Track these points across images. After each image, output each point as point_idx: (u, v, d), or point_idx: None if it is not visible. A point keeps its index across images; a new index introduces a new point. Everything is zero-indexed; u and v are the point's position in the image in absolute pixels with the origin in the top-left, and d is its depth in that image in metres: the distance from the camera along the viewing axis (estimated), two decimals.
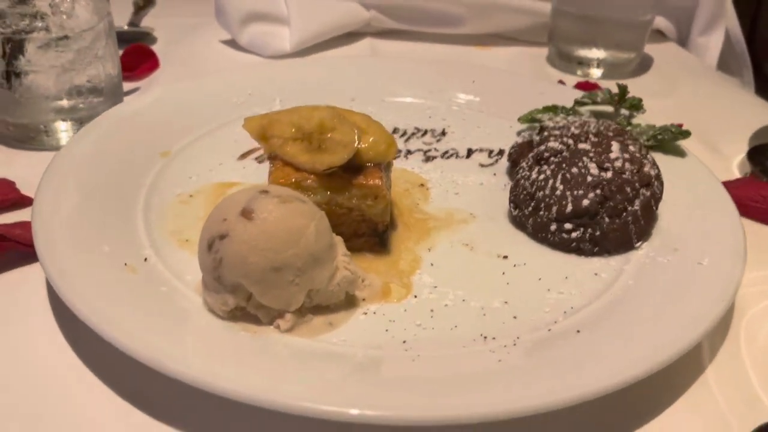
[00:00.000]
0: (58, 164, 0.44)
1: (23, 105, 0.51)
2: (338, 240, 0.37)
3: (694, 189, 0.45)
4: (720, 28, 0.81)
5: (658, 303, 0.36)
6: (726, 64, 0.83)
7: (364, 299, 0.37)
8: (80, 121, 0.53)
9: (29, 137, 0.53)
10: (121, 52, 0.62)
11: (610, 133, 0.45)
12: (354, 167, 0.40)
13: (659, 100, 0.67)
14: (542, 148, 0.45)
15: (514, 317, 0.36)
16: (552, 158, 0.44)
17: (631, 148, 0.44)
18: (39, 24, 0.50)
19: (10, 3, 0.49)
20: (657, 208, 0.43)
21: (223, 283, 0.34)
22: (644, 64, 0.76)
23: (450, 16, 0.78)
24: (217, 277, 0.34)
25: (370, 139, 0.41)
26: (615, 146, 0.43)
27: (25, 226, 0.40)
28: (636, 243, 0.42)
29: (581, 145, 0.44)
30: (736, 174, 0.55)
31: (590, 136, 0.45)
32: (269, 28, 0.73)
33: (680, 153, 0.50)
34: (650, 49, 0.79)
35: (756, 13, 0.69)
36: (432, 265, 0.40)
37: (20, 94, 0.51)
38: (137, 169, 0.46)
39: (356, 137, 0.40)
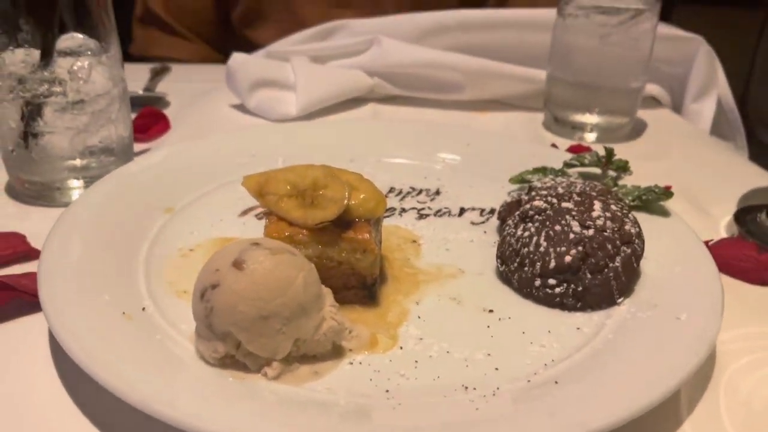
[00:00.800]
0: (66, 219, 0.46)
1: (38, 164, 0.54)
2: (327, 291, 0.39)
3: (675, 247, 0.47)
4: (712, 96, 0.84)
5: (636, 356, 0.37)
6: (720, 129, 0.85)
7: (350, 350, 0.39)
8: (92, 179, 0.56)
9: (42, 194, 0.56)
10: (135, 114, 0.65)
11: (594, 193, 0.47)
12: (345, 222, 0.42)
13: (651, 162, 0.69)
14: (527, 206, 0.47)
15: (496, 368, 0.37)
16: (536, 216, 0.46)
17: (613, 207, 0.45)
18: (57, 89, 0.53)
19: (31, 69, 0.53)
20: (638, 265, 0.44)
21: (214, 330, 0.35)
22: (638, 129, 0.79)
23: (450, 83, 0.82)
24: (209, 325, 0.35)
25: (361, 196, 0.43)
26: (597, 205, 0.45)
27: (32, 276, 0.42)
28: (618, 299, 0.43)
29: (565, 204, 0.45)
30: (723, 234, 0.56)
31: (574, 195, 0.46)
32: (276, 94, 0.76)
33: (664, 213, 0.51)
34: (645, 114, 0.82)
35: (747, 81, 0.72)
36: (419, 317, 0.42)
37: (36, 153, 0.54)
38: (141, 224, 0.49)
39: (347, 194, 0.42)
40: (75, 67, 0.54)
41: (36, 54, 0.53)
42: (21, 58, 0.53)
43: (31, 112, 0.53)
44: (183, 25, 1.07)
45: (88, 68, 0.54)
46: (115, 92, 0.56)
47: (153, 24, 1.06)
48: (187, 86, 0.83)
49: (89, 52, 0.55)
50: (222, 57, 1.10)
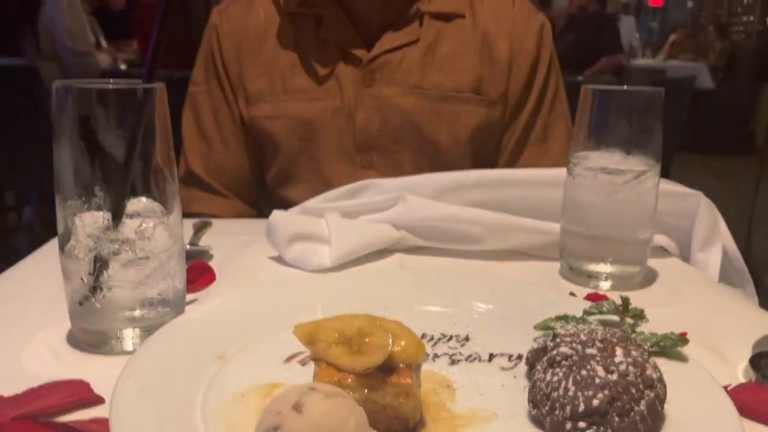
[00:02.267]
0: (132, 367, 0.50)
1: (101, 314, 0.60)
2: None
3: (695, 391, 0.50)
4: (717, 245, 0.90)
5: None
6: (728, 277, 0.90)
7: None
8: (146, 328, 0.61)
9: (101, 342, 0.60)
10: None
11: (615, 340, 0.51)
12: (388, 368, 0.46)
13: (665, 308, 0.73)
14: (554, 352, 0.51)
15: None
16: (563, 362, 0.50)
17: (634, 353, 0.49)
18: (125, 247, 0.60)
19: (103, 230, 0.60)
20: (662, 409, 0.47)
21: None
22: (650, 277, 0.84)
23: (470, 235, 0.88)
24: None
25: (402, 343, 0.47)
26: (619, 351, 0.49)
27: (101, 422, 0.45)
28: None
29: (588, 350, 0.49)
30: (740, 379, 0.59)
31: (596, 342, 0.50)
32: (312, 246, 0.83)
33: (682, 358, 0.55)
34: (655, 263, 0.87)
35: (749, 232, 0.78)
36: None
37: (102, 305, 0.59)
38: (197, 371, 0.53)
39: (390, 341, 0.46)
40: (142, 228, 0.60)
41: (108, 216, 0.60)
42: (95, 220, 0.60)
43: (100, 267, 0.59)
44: (221, 185, 1.16)
45: (153, 229, 0.61)
46: (175, 249, 0.62)
47: (194, 185, 1.15)
48: (228, 240, 0.90)
49: (154, 214, 0.62)
50: (256, 213, 1.19)
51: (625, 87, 0.77)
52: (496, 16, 1.12)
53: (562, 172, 0.84)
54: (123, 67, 3.67)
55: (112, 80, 0.59)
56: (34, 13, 3.06)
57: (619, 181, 0.78)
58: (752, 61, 7.00)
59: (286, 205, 1.01)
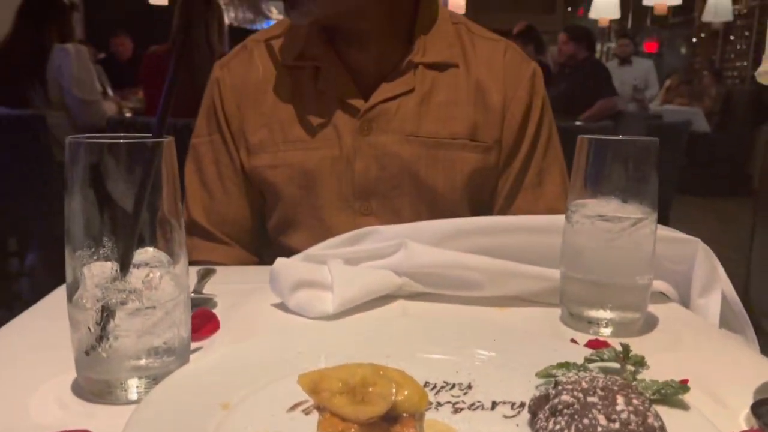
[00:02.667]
0: (137, 417, 0.51)
1: (107, 364, 0.60)
2: None
3: None
4: (717, 291, 0.91)
5: None
6: (728, 323, 0.91)
7: None
8: (151, 377, 0.61)
9: (106, 392, 0.61)
10: None
11: (616, 388, 0.51)
12: (391, 417, 0.46)
13: (665, 355, 0.73)
14: (556, 401, 0.51)
15: None
16: (565, 410, 0.50)
17: (635, 401, 0.50)
18: (132, 297, 0.61)
19: (110, 280, 0.61)
20: None
21: None
22: (650, 323, 0.84)
23: (470, 281, 0.89)
24: None
25: (405, 392, 0.48)
26: (620, 399, 0.49)
27: None
28: None
29: (590, 399, 0.50)
30: (742, 426, 0.59)
31: (598, 390, 0.51)
32: (315, 293, 0.84)
33: (684, 406, 0.55)
34: (655, 309, 0.88)
35: (747, 277, 0.79)
36: None
37: (108, 354, 0.60)
38: (202, 420, 0.53)
39: (394, 390, 0.47)
40: (149, 278, 0.62)
41: (116, 266, 0.61)
42: (103, 270, 0.61)
43: (107, 317, 0.60)
44: (223, 233, 1.17)
45: (160, 278, 0.62)
46: (181, 298, 0.63)
47: (196, 233, 1.17)
48: (232, 287, 0.91)
49: (161, 264, 0.63)
50: (257, 260, 1.20)
51: (620, 137, 0.79)
52: (489, 65, 1.15)
53: (560, 218, 0.85)
54: (128, 114, 3.74)
55: (122, 134, 0.61)
56: (42, 64, 3.13)
57: (617, 228, 0.79)
58: (747, 105, 7.11)
59: (287, 252, 1.02)
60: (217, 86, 1.18)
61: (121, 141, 0.60)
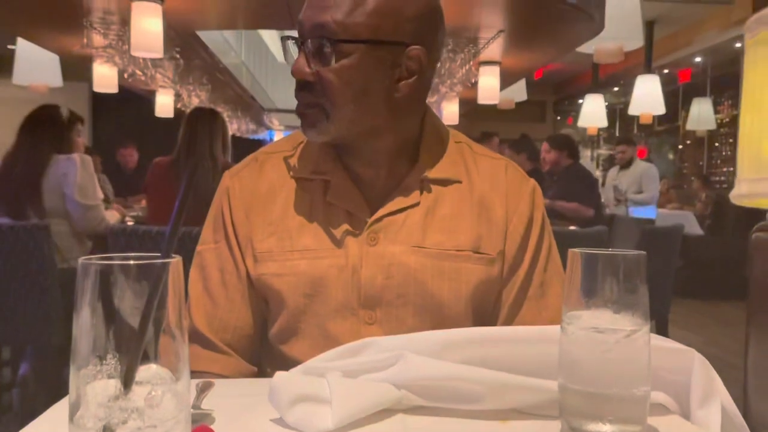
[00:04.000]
0: None
1: None
2: None
3: None
4: (716, 402, 0.90)
5: None
6: None
7: None
8: None
9: None
10: None
11: None
12: None
13: None
14: None
15: None
16: None
17: None
18: (133, 415, 0.61)
19: (113, 398, 0.62)
20: None
21: None
22: None
23: (471, 394, 0.89)
24: None
25: None
26: None
27: None
28: None
29: None
30: None
31: None
32: (314, 408, 0.84)
33: None
34: (656, 421, 0.87)
35: (745, 387, 0.79)
36: None
37: None
38: None
39: None
40: (151, 395, 0.62)
41: (119, 384, 0.62)
42: (106, 388, 0.62)
43: None
44: (223, 342, 1.18)
45: (162, 396, 0.63)
46: (182, 416, 0.64)
47: (196, 342, 1.17)
48: (231, 401, 0.90)
49: (163, 381, 0.64)
50: (257, 371, 1.20)
51: (609, 250, 0.82)
52: (492, 182, 1.21)
53: (558, 329, 0.87)
54: (131, 223, 3.80)
55: (132, 254, 0.64)
56: (40, 175, 3.24)
57: (611, 339, 0.80)
58: (737, 209, 7.25)
59: (287, 361, 1.02)
60: (226, 194, 1.22)
61: (132, 262, 0.62)
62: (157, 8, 3.06)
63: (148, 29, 3.05)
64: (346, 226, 1.16)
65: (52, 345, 2.96)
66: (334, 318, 1.15)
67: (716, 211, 7.16)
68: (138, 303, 0.62)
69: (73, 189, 3.18)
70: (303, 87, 1.12)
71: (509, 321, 1.19)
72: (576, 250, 0.84)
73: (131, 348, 0.62)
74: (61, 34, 3.83)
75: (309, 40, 1.10)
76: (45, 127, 3.26)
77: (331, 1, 1.09)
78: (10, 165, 3.21)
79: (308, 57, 1.10)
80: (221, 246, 1.20)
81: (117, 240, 2.73)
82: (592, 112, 7.82)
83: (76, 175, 3.19)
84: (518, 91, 6.49)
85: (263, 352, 1.24)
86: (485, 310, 1.20)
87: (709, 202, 7.37)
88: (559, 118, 14.40)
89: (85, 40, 3.74)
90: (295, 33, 1.16)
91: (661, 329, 4.09)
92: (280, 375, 0.87)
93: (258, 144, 10.14)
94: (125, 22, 3.33)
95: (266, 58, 8.52)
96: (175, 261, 0.64)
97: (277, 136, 10.06)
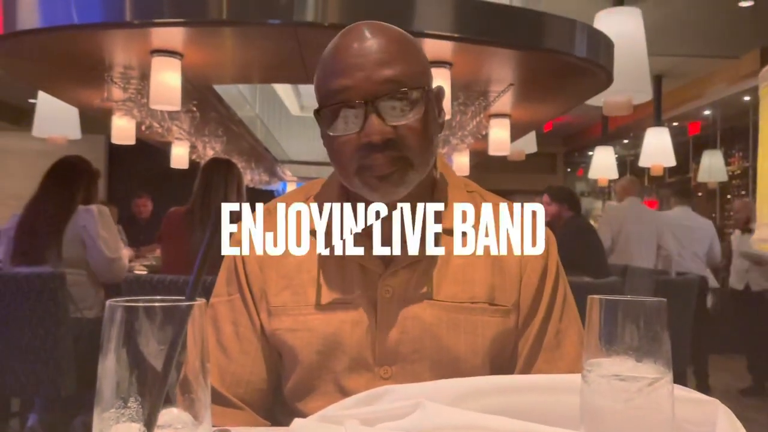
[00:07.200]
0: None
1: None
2: None
3: None
4: None
5: None
6: None
7: None
8: None
9: None
10: None
11: None
12: None
13: None
14: None
15: None
16: None
17: None
18: None
19: None
20: None
21: None
22: None
23: None
24: None
25: None
26: None
27: None
28: None
29: None
30: None
31: None
32: None
33: None
34: None
35: None
36: None
37: None
38: None
39: None
40: None
41: (141, 428, 0.62)
42: (128, 431, 0.62)
43: None
44: (236, 397, 1.16)
45: None
46: None
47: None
48: None
49: (184, 426, 0.64)
50: (270, 425, 1.18)
51: (629, 297, 0.82)
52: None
53: (577, 377, 0.86)
54: (144, 272, 3.82)
55: (158, 297, 0.65)
56: (63, 224, 3.27)
57: (634, 388, 0.79)
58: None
59: (303, 417, 1.00)
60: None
61: (157, 304, 0.63)
62: (177, 63, 3.16)
63: (167, 83, 3.14)
64: (359, 281, 1.15)
65: (60, 397, 2.94)
66: (350, 374, 1.14)
67: (731, 264, 7.08)
68: (162, 345, 0.63)
69: (96, 240, 3.21)
70: (384, 147, 1.07)
71: (525, 372, 1.18)
72: (595, 296, 0.84)
73: (154, 391, 0.63)
74: (82, 88, 3.93)
75: (380, 98, 1.06)
76: (74, 177, 3.31)
77: (385, 58, 1.07)
78: (33, 214, 3.24)
79: (381, 115, 1.07)
80: (235, 299, 1.19)
81: (131, 289, 2.74)
82: (603, 163, 7.87)
83: (97, 227, 3.22)
84: (528, 143, 6.54)
85: (277, 408, 1.22)
86: (502, 363, 1.19)
87: (723, 255, 7.30)
88: (569, 169, 14.46)
89: (105, 94, 3.84)
90: (311, 92, 1.17)
91: (679, 383, 3.98)
92: (297, 422, 0.87)
93: (271, 195, 10.25)
94: (145, 76, 3.42)
95: (280, 110, 8.69)
96: (200, 303, 0.65)
97: (290, 187, 10.15)
